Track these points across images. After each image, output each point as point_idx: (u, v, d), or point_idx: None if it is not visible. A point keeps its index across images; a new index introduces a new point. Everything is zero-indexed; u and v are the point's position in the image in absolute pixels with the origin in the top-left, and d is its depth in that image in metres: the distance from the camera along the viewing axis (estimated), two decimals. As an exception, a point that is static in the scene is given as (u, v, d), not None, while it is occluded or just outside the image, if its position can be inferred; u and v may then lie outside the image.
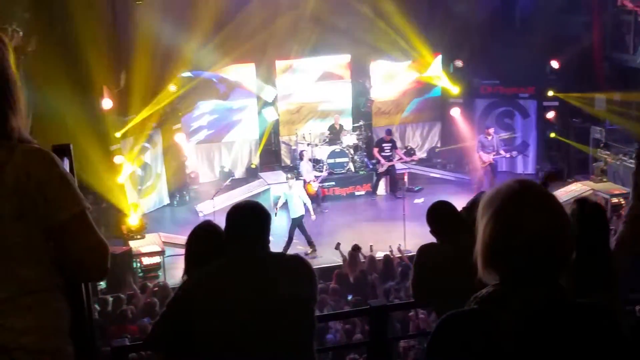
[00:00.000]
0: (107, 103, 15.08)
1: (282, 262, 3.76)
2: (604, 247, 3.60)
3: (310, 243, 14.70)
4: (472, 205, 4.39)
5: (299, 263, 3.74)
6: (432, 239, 4.82)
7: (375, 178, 18.43)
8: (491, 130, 17.92)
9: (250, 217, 3.69)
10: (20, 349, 2.18)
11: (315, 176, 17.13)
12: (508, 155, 17.99)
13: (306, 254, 13.67)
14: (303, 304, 3.61)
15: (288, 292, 3.53)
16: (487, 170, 17.53)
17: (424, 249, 4.80)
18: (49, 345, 2.24)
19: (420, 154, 20.55)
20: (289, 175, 15.62)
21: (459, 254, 3.03)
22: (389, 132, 18.84)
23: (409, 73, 20.31)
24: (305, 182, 16.97)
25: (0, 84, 2.26)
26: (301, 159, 17.32)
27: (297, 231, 14.69)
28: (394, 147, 18.51)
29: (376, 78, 20.14)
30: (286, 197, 14.92)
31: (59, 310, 2.30)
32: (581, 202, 3.63)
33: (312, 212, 15.33)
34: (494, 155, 17.54)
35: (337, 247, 13.34)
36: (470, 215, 4.22)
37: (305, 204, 14.90)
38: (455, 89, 19.62)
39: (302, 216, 14.73)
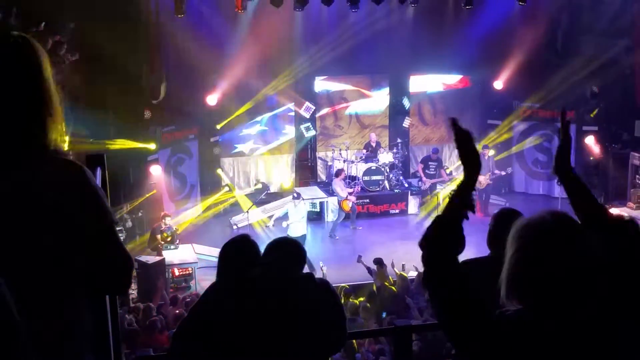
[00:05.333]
0: (146, 113, 15.27)
1: (307, 283, 3.79)
2: None
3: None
4: (495, 225, 4.28)
5: (323, 287, 3.80)
6: (463, 258, 4.60)
7: (420, 196, 18.44)
8: (487, 151, 18.06)
9: (285, 248, 3.79)
10: (40, 353, 2.22)
11: (349, 192, 17.13)
12: (503, 173, 18.16)
13: None
14: (322, 326, 3.65)
15: (305, 313, 3.58)
16: (486, 190, 17.75)
17: (465, 265, 4.46)
18: (69, 352, 2.27)
19: (458, 175, 20.45)
20: (295, 196, 15.55)
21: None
22: (435, 150, 18.84)
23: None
24: (339, 199, 17.01)
25: (41, 94, 2.29)
26: (337, 176, 17.34)
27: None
28: (439, 166, 18.50)
29: (414, 93, 20.19)
30: (288, 215, 14.91)
31: (82, 319, 2.33)
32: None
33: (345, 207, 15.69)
34: (489, 176, 17.59)
35: (359, 259, 13.36)
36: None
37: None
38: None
39: (304, 236, 14.61)
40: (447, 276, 2.35)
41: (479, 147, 17.90)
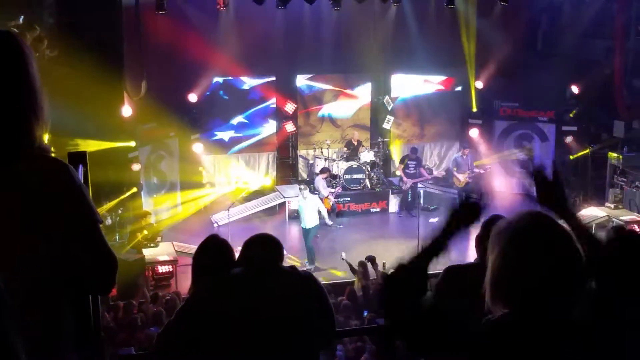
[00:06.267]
0: (127, 110, 15.17)
1: (293, 278, 3.79)
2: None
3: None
4: (485, 231, 4.28)
5: (309, 280, 3.79)
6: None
7: (402, 196, 18.48)
8: (467, 150, 18.30)
9: (265, 246, 3.78)
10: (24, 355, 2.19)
11: (330, 192, 17.15)
12: (482, 171, 18.32)
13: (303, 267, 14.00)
14: (308, 319, 3.65)
15: (293, 308, 3.58)
16: (465, 189, 17.87)
17: (452, 270, 4.53)
18: (50, 352, 2.25)
19: (438, 174, 20.48)
20: (302, 187, 15.51)
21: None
22: (414, 149, 18.88)
23: (428, 85, 20.48)
24: (320, 197, 17.01)
25: (27, 92, 2.27)
26: (321, 173, 17.38)
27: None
28: (418, 164, 18.52)
29: (396, 92, 20.20)
30: (300, 209, 14.94)
31: (64, 318, 2.31)
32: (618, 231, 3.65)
33: (327, 220, 15.48)
34: (469, 174, 17.80)
35: (343, 257, 13.44)
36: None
37: (320, 215, 15.02)
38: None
39: (316, 227, 14.83)
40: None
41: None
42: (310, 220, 14.69)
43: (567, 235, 2.16)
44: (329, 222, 15.61)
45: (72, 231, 2.23)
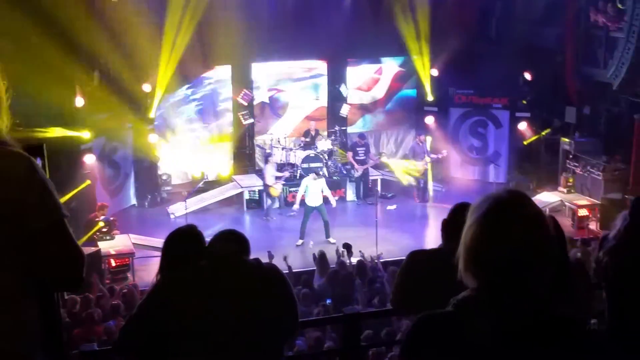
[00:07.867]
0: (79, 101, 14.93)
1: (257, 270, 3.77)
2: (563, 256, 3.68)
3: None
4: (453, 216, 4.28)
5: (273, 272, 3.79)
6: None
7: (355, 184, 18.51)
8: (423, 137, 18.57)
9: (230, 239, 3.79)
10: None
11: (276, 177, 17.14)
12: (440, 156, 18.53)
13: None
14: (272, 312, 3.65)
15: (257, 301, 3.58)
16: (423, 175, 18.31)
17: (417, 255, 4.48)
18: (17, 352, 2.19)
19: (388, 158, 20.55)
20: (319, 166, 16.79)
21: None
22: (362, 136, 18.91)
23: (386, 74, 20.52)
24: (267, 186, 17.03)
25: None
26: (266, 162, 17.41)
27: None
28: (367, 151, 18.55)
29: (353, 82, 20.20)
30: (307, 188, 15.60)
31: (30, 317, 2.25)
32: None
33: (333, 203, 16.28)
34: (424, 162, 18.24)
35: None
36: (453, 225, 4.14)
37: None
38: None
39: (322, 204, 15.60)
40: None
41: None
42: (317, 199, 15.53)
43: (542, 214, 2.17)
44: (334, 205, 16.30)
45: (38, 226, 2.17)
